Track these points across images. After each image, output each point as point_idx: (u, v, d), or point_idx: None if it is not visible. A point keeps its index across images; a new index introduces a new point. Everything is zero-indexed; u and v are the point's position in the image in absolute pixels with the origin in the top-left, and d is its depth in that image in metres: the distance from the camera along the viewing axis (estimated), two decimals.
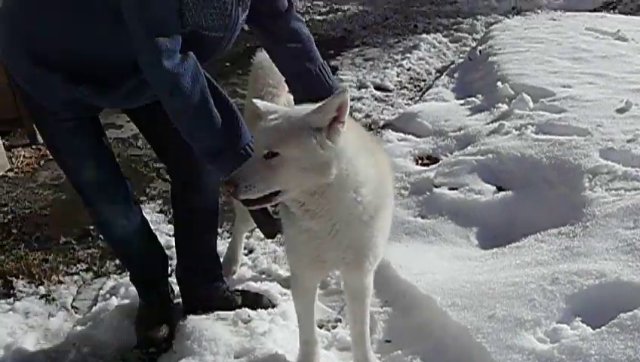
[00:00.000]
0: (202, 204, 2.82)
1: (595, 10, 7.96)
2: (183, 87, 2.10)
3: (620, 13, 8.23)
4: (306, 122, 1.91)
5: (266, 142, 1.93)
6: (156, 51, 2.06)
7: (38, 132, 2.99)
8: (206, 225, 2.89)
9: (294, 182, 1.94)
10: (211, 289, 2.94)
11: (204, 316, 2.86)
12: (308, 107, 1.97)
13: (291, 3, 2.51)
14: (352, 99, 5.77)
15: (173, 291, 3.10)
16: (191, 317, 2.84)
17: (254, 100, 2.13)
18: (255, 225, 2.46)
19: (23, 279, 3.48)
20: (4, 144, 4.83)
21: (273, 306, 2.96)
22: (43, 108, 2.45)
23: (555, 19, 7.39)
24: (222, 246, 3.35)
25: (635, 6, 8.68)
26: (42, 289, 3.39)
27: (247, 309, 2.89)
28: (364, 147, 2.07)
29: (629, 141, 3.78)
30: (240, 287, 3.12)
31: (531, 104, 4.72)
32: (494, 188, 3.77)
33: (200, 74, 2.16)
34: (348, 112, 1.92)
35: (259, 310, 2.90)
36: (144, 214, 2.96)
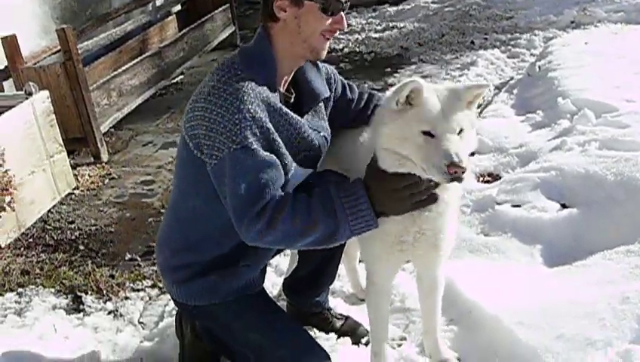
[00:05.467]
0: None
1: None
2: (274, 239, 2.16)
3: None
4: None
5: (459, 123, 2.09)
6: (242, 230, 2.16)
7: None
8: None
9: None
10: (315, 304, 2.94)
11: None
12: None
13: (353, 87, 2.69)
14: None
15: None
16: None
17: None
18: None
19: (91, 295, 3.57)
20: (70, 163, 4.97)
21: (367, 343, 2.87)
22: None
23: (615, 33, 7.25)
24: None
25: None
26: (110, 305, 3.48)
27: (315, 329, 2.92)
28: None
29: None
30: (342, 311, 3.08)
31: (594, 119, 4.63)
32: (558, 205, 3.70)
33: (284, 211, 2.14)
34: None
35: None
36: None
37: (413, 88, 2.06)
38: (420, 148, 2.05)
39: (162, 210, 4.52)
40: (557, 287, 2.97)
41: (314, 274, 2.84)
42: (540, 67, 6.17)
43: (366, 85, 6.74)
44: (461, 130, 2.09)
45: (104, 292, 3.57)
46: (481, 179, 4.34)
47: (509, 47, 7.56)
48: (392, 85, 6.61)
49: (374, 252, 2.42)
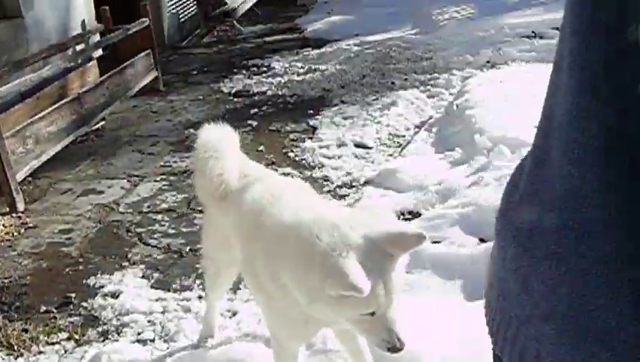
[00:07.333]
0: None
1: None
2: None
3: None
4: None
5: (398, 292, 1.96)
6: None
7: None
8: None
9: None
10: None
11: None
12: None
13: None
14: (332, 158, 5.79)
15: None
16: None
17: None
18: None
19: (1, 351, 3.41)
20: None
21: None
22: None
23: (528, 72, 7.51)
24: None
25: None
26: (22, 361, 3.32)
27: None
28: None
29: None
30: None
31: (509, 155, 4.76)
32: (477, 240, 3.78)
33: None
34: None
35: None
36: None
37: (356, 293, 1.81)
38: (360, 323, 1.97)
39: (80, 259, 4.39)
40: (476, 321, 2.98)
41: None
42: (457, 105, 6.32)
43: (288, 127, 6.77)
44: None
45: (15, 347, 3.42)
46: (402, 217, 4.37)
47: (429, 86, 7.73)
48: (314, 128, 6.68)
49: (286, 334, 2.38)
